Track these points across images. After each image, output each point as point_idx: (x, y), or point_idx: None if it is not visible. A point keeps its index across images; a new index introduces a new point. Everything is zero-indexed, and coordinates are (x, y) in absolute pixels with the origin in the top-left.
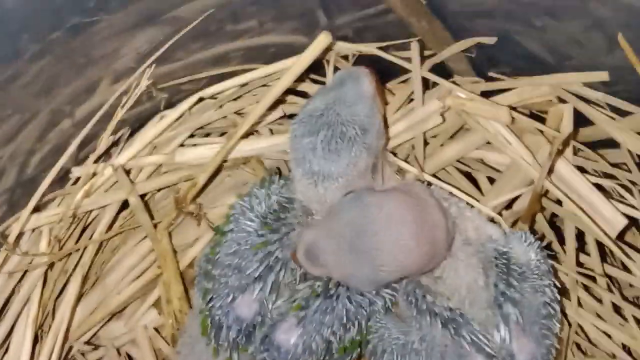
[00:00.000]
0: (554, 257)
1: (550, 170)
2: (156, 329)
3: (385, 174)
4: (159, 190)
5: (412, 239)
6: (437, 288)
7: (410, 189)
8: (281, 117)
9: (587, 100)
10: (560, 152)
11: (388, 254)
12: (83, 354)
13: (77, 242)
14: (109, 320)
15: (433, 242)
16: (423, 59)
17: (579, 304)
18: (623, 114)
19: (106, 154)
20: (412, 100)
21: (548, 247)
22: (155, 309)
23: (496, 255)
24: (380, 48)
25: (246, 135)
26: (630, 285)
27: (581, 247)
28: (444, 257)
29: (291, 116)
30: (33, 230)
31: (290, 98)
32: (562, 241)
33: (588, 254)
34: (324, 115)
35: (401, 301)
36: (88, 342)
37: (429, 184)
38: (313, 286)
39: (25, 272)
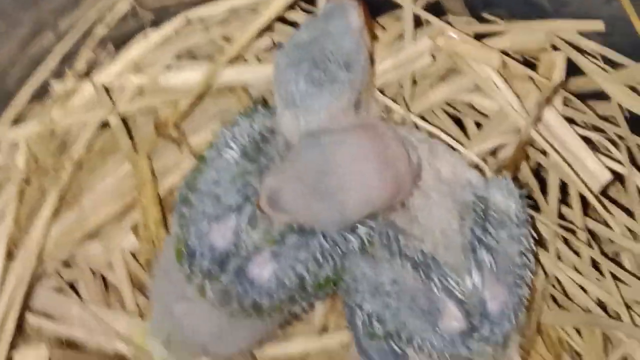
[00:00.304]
0: (536, 208)
1: (538, 119)
2: (133, 254)
3: (370, 110)
4: (141, 113)
5: (374, 174)
6: (412, 229)
7: (368, 124)
8: (270, 47)
9: (581, 50)
10: (549, 101)
11: (351, 191)
12: (58, 273)
13: (54, 159)
14: (85, 242)
15: (396, 175)
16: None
17: (558, 257)
18: (616, 66)
19: (89, 72)
20: (402, 38)
21: (530, 197)
22: (133, 233)
23: (474, 199)
24: None
25: (233, 61)
26: (611, 241)
27: (564, 199)
28: (411, 191)
29: (279, 45)
30: (10, 145)
31: (280, 27)
32: (545, 192)
33: (571, 207)
34: (308, 48)
35: (376, 242)
36: (64, 263)
37: (415, 125)
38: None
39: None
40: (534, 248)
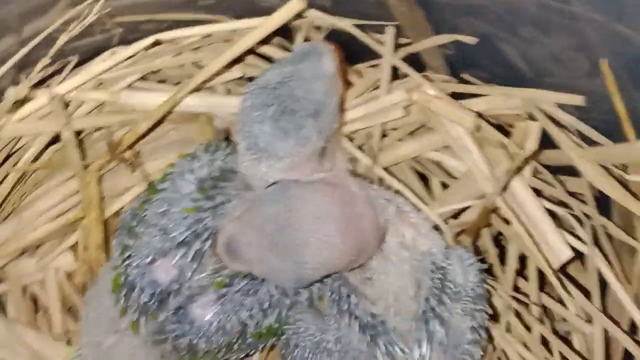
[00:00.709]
0: (491, 275)
1: (505, 187)
2: (69, 275)
3: (335, 158)
4: (96, 130)
5: (338, 235)
6: (365, 290)
7: (338, 180)
8: (239, 78)
9: (557, 123)
10: (518, 170)
11: (312, 250)
12: None
13: None
14: (19, 256)
15: (360, 238)
16: (398, 46)
17: (507, 329)
18: (592, 143)
19: (48, 82)
20: (378, 87)
21: (488, 266)
22: (71, 253)
23: (433, 268)
24: (357, 26)
25: (200, 89)
26: (564, 320)
27: (522, 270)
28: (372, 255)
29: (250, 79)
30: None
31: (252, 60)
32: (503, 261)
33: (527, 280)
34: (277, 89)
35: (326, 297)
36: None
37: (380, 179)
38: None
39: None
40: (487, 325)
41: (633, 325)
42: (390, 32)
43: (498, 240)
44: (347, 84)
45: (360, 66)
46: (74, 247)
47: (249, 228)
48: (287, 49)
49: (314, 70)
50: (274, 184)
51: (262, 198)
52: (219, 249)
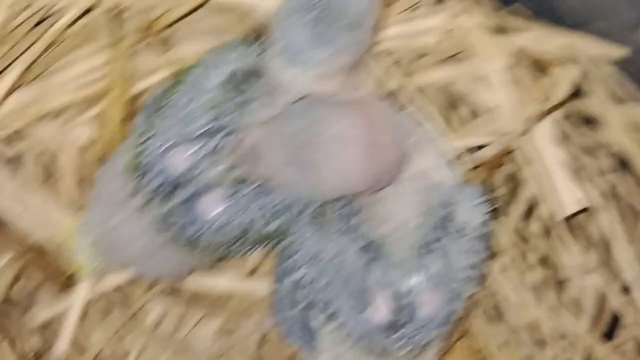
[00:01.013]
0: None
1: (529, 129)
2: (85, 146)
3: (364, 75)
4: (133, 8)
5: (359, 161)
6: (370, 211)
7: (367, 106)
8: None
9: (595, 72)
10: (547, 114)
11: (332, 172)
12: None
13: (30, 30)
14: (39, 120)
15: (380, 166)
16: None
17: (504, 268)
18: (625, 99)
19: None
20: (418, 7)
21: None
22: (91, 125)
23: (441, 202)
24: None
25: None
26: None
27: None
28: (389, 183)
29: None
30: None
31: None
32: (510, 202)
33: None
34: None
35: (330, 211)
36: (11, 136)
37: (402, 104)
38: None
39: None
40: (484, 263)
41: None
42: None
43: (511, 179)
44: None
45: None
46: (93, 120)
47: (275, 137)
48: None
49: None
50: (302, 98)
51: (289, 111)
52: (243, 151)
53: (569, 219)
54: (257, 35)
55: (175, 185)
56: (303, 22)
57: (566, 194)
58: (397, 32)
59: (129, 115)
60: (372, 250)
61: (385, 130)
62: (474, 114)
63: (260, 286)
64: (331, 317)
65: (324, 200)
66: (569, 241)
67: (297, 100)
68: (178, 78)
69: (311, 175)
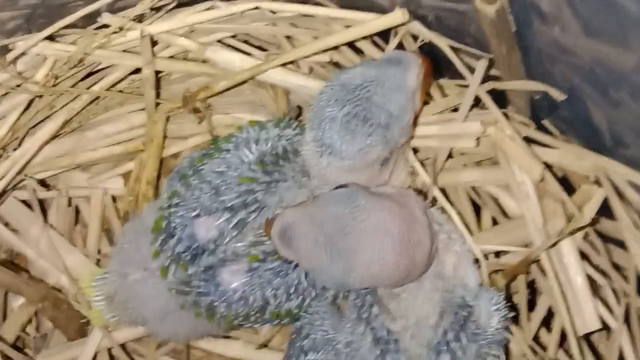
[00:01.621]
0: (515, 318)
1: (554, 245)
2: (114, 199)
3: (396, 169)
4: (176, 74)
5: (392, 255)
6: (389, 305)
7: (405, 201)
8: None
9: (622, 196)
10: (572, 233)
11: (363, 261)
12: (35, 190)
13: (74, 85)
14: (72, 170)
15: (411, 262)
16: (486, 77)
17: None
18: None
19: (142, 17)
20: (456, 109)
21: (514, 306)
22: (123, 180)
23: (460, 303)
24: (452, 48)
25: (283, 63)
26: None
27: (547, 318)
28: (416, 279)
29: (336, 64)
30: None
31: (342, 47)
32: (532, 306)
33: (550, 329)
34: (356, 91)
35: (350, 299)
36: (43, 181)
37: (434, 199)
38: None
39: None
40: None
41: None
42: (482, 65)
43: (532, 284)
44: (428, 97)
45: (445, 82)
46: (126, 176)
47: (309, 221)
48: (378, 46)
49: (397, 81)
50: (343, 186)
51: (329, 197)
52: (273, 231)
53: (585, 336)
54: (292, 115)
55: (199, 253)
56: (338, 115)
57: (587, 312)
58: (433, 132)
59: (160, 175)
60: (387, 342)
61: (421, 227)
62: (499, 220)
63: (271, 358)
64: None
65: (350, 289)
66: (582, 358)
67: (336, 187)
68: (212, 149)
69: (343, 263)
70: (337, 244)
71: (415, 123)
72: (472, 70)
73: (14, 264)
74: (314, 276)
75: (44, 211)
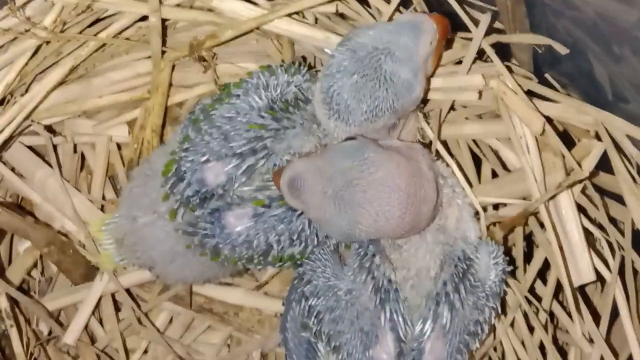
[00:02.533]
0: (512, 271)
1: (553, 197)
2: (119, 146)
3: (406, 126)
4: (182, 22)
5: (398, 208)
6: (391, 254)
7: (412, 155)
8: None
9: (621, 151)
10: (571, 186)
11: (370, 214)
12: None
13: (81, 31)
14: (78, 116)
15: (417, 216)
16: (491, 30)
17: (512, 325)
18: None
19: None
20: (460, 62)
21: (511, 258)
22: (128, 127)
23: (461, 256)
24: (458, 0)
25: (290, 13)
26: (567, 332)
27: (543, 271)
28: (420, 232)
29: (342, 15)
30: (46, 1)
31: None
32: (528, 258)
33: (546, 281)
34: (366, 59)
35: (352, 248)
36: (49, 127)
37: (437, 152)
38: None
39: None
40: (493, 321)
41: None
42: (486, 17)
43: (529, 238)
44: (440, 59)
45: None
46: (131, 123)
47: (318, 173)
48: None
49: (408, 50)
50: (352, 138)
51: (338, 149)
52: (282, 181)
53: (580, 287)
54: (300, 63)
55: (208, 197)
56: (346, 81)
57: (582, 264)
58: (436, 84)
59: (165, 122)
60: (387, 291)
61: (427, 182)
62: (499, 173)
63: (270, 305)
64: (336, 349)
65: (355, 240)
66: (577, 309)
67: (347, 139)
68: (220, 96)
69: (350, 215)
70: (345, 197)
71: (427, 82)
72: (476, 23)
73: (21, 207)
74: (320, 226)
75: (49, 158)
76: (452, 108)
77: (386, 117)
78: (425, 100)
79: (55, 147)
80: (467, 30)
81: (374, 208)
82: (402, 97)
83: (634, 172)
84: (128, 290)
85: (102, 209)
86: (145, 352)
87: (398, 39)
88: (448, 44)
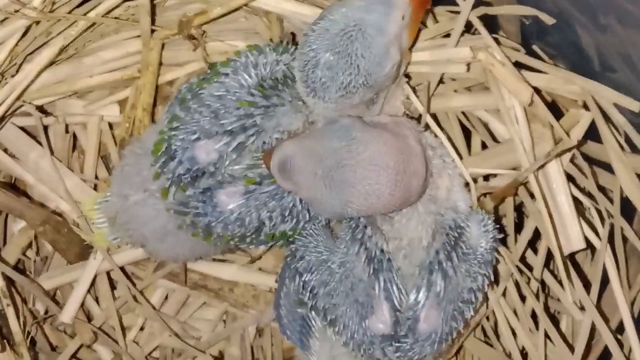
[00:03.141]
0: (503, 240)
1: (542, 167)
2: (110, 125)
3: (390, 99)
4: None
5: (388, 186)
6: (383, 226)
7: (400, 130)
8: None
9: (608, 119)
10: (559, 155)
11: (360, 193)
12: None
13: (71, 11)
14: (70, 96)
15: (407, 192)
16: (477, 2)
17: (503, 294)
18: (635, 150)
19: None
20: (448, 35)
21: (502, 228)
22: (119, 106)
23: (452, 225)
24: None
25: None
26: (558, 300)
27: (534, 241)
28: (410, 205)
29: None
30: None
31: None
32: (519, 229)
33: (536, 251)
34: (336, 37)
35: (343, 221)
36: (41, 108)
37: (426, 125)
38: None
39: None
40: (487, 289)
41: (621, 326)
42: None
43: (519, 207)
44: (419, 28)
45: (439, 9)
46: (122, 103)
47: (308, 154)
48: None
49: (379, 26)
50: (340, 119)
51: (327, 130)
52: (272, 164)
53: (570, 255)
54: (287, 42)
55: (199, 175)
56: (319, 61)
57: (572, 232)
58: (424, 58)
59: (156, 101)
60: (380, 261)
61: (416, 157)
62: (489, 145)
63: (265, 280)
64: (332, 322)
65: (347, 218)
66: (568, 277)
67: (334, 120)
68: (210, 74)
69: (341, 195)
70: (335, 177)
71: (410, 50)
72: None
73: (14, 187)
74: (312, 207)
75: (41, 138)
76: (440, 81)
77: (361, 92)
78: (407, 74)
79: (46, 127)
80: (454, 3)
81: (364, 187)
82: (374, 72)
83: (622, 141)
84: (123, 269)
85: (95, 188)
86: (142, 329)
87: (368, 15)
88: (434, 17)
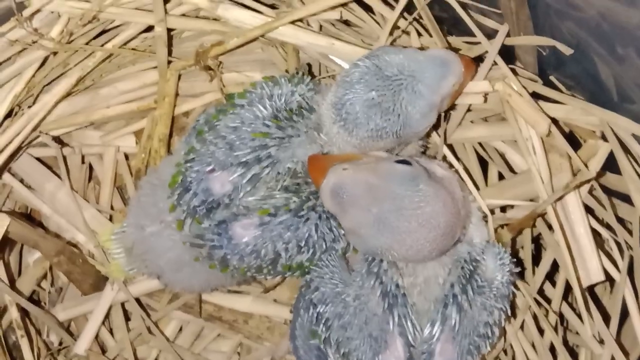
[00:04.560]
0: (521, 273)
1: (560, 199)
2: (126, 156)
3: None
4: (188, 32)
5: (432, 244)
6: (398, 262)
7: (453, 189)
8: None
9: (627, 150)
10: (578, 187)
11: (406, 243)
12: (59, 147)
13: (88, 42)
14: (86, 127)
15: (441, 251)
16: (495, 33)
17: (521, 327)
18: None
19: None
20: None
21: (519, 260)
22: (135, 137)
23: (467, 258)
24: (461, 4)
25: (294, 20)
26: (577, 333)
27: (552, 273)
28: None
29: (346, 22)
30: (52, 12)
31: (352, 5)
32: (537, 260)
33: (554, 283)
34: (388, 80)
35: (360, 253)
36: (57, 138)
37: (444, 157)
38: (289, 199)
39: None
40: (503, 323)
41: None
42: (503, 29)
43: (537, 239)
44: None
45: (452, 39)
46: (138, 133)
47: (367, 189)
48: (388, 3)
49: (431, 85)
50: (405, 161)
51: (393, 172)
52: (325, 184)
53: (589, 288)
54: (303, 73)
55: (214, 206)
56: (361, 96)
57: (591, 264)
58: None
59: (172, 132)
60: (395, 296)
61: (459, 220)
62: (506, 176)
63: (280, 312)
64: (346, 355)
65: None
66: (587, 310)
67: (400, 161)
68: (225, 106)
69: (388, 238)
70: (386, 220)
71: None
72: (483, 29)
73: (30, 218)
74: (348, 235)
75: (58, 169)
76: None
77: (388, 140)
78: (428, 135)
79: (63, 158)
80: (468, 33)
81: (412, 239)
82: (409, 127)
83: None
84: (138, 300)
85: (110, 219)
86: None
87: (424, 71)
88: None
